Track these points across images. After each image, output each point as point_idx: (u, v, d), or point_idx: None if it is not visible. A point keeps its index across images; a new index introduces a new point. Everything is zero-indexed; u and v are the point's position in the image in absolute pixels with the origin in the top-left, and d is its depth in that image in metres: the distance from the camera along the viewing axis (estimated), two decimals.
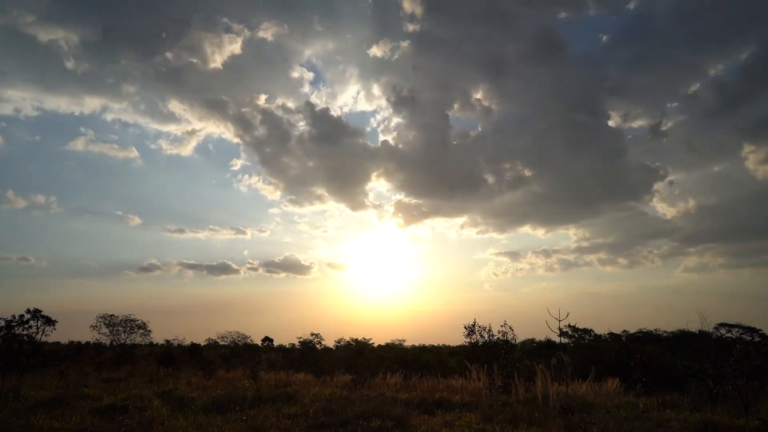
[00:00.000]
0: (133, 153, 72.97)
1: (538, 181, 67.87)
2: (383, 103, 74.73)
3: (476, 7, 60.90)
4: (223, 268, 76.48)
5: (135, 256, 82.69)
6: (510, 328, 15.45)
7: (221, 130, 73.01)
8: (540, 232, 77.37)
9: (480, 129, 71.33)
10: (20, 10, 60.33)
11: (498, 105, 67.17)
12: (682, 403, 11.12)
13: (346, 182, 71.88)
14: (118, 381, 16.31)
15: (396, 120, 73.83)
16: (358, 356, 25.42)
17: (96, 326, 28.48)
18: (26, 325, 19.53)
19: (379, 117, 77.13)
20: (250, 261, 78.43)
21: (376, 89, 73.68)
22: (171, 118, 72.04)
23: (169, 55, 65.91)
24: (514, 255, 78.06)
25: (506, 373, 13.88)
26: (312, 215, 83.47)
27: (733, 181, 66.95)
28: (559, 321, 11.13)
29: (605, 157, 62.59)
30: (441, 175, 68.44)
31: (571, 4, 62.95)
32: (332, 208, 79.61)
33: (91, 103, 68.49)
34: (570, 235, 77.61)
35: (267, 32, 68.20)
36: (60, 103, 68.39)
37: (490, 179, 68.96)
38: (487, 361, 14.86)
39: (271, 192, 76.53)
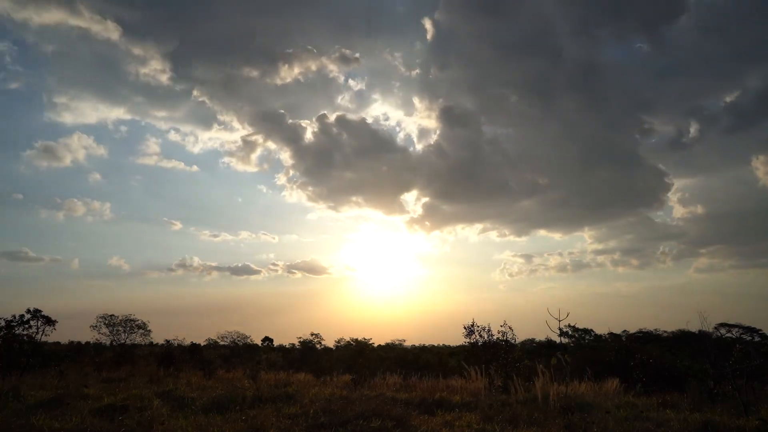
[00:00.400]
0: (189, 164, 76.93)
1: (558, 187, 68.91)
2: (420, 114, 76.71)
3: (513, 33, 61.22)
4: (245, 270, 78.23)
5: (165, 258, 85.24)
6: (509, 328, 15.47)
7: (270, 142, 74.96)
8: (557, 235, 78.24)
9: (508, 142, 72.60)
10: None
11: (525, 118, 67.95)
12: (682, 403, 11.12)
13: (382, 190, 74.52)
14: (118, 381, 16.30)
15: (431, 131, 76.06)
16: (358, 356, 25.41)
17: (96, 326, 28.48)
18: (26, 325, 19.54)
19: (414, 128, 78.48)
20: (274, 263, 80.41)
21: (415, 102, 75.65)
22: (226, 127, 74.96)
23: (231, 68, 68.59)
24: (528, 257, 78.96)
25: (506, 373, 13.89)
26: (346, 219, 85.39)
27: (742, 188, 68.84)
28: (559, 321, 11.14)
29: (624, 166, 64.43)
30: (469, 183, 69.85)
31: (616, 34, 63.27)
32: (367, 213, 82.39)
33: (154, 114, 72.07)
34: (585, 238, 78.56)
35: (332, 58, 70.41)
36: (121, 113, 71.87)
37: (516, 186, 70.12)
38: (487, 361, 14.87)
39: (310, 197, 77.54)
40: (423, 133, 76.65)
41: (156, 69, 66.94)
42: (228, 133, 76.58)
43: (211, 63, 69.56)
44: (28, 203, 73.83)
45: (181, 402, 10.83)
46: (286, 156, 77.56)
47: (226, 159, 79.17)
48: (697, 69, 68.63)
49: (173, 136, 75.85)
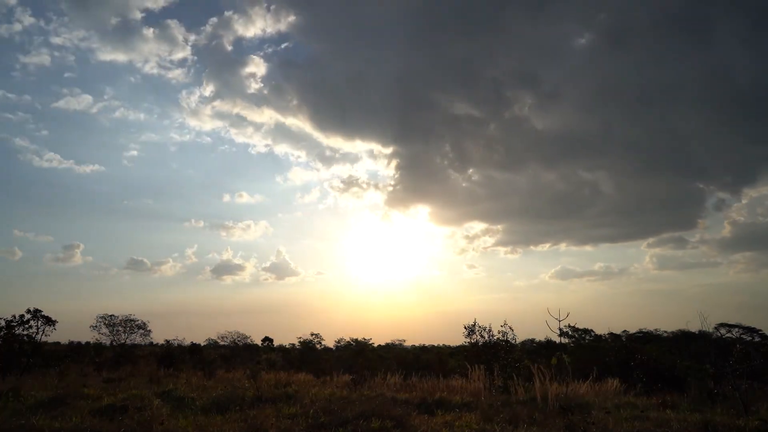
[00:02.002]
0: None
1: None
2: None
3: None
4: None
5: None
6: (510, 328, 15.46)
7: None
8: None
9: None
10: None
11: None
12: (682, 403, 11.11)
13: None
14: (118, 381, 16.30)
15: None
16: (358, 356, 25.41)
17: (96, 326, 28.45)
18: (26, 325, 19.54)
19: None
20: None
21: None
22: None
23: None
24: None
25: (506, 373, 13.88)
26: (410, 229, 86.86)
27: None
28: (559, 321, 11.13)
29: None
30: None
31: None
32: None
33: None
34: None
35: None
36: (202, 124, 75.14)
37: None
38: (487, 361, 14.86)
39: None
40: None
41: None
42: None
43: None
44: None
45: (181, 402, 10.83)
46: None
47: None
48: None
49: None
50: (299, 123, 74.03)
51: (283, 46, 74.36)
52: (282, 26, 73.08)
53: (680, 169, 60.90)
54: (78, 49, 71.32)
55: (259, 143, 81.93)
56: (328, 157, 78.86)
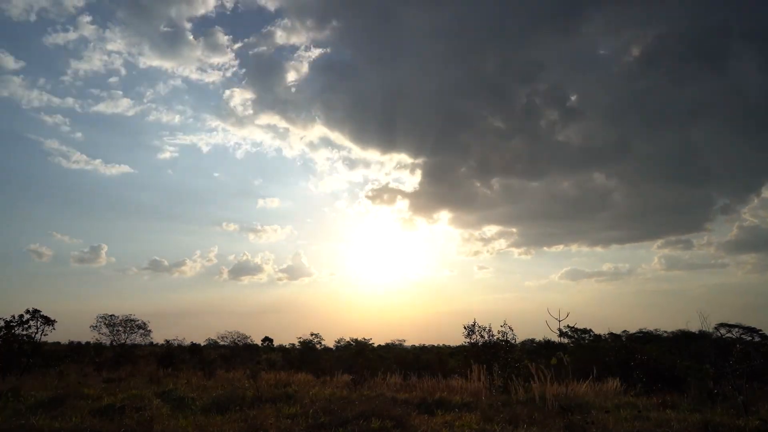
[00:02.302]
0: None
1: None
2: None
3: None
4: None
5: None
6: (510, 328, 15.44)
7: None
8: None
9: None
10: None
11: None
12: (682, 403, 11.11)
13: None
14: (118, 381, 16.30)
15: None
16: (358, 356, 25.41)
17: (96, 326, 28.47)
18: (26, 325, 19.53)
19: None
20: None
21: None
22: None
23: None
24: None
25: (506, 373, 13.88)
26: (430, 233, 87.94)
27: None
28: (559, 321, 11.13)
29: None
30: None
31: None
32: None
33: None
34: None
35: None
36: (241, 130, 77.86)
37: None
38: (487, 361, 14.86)
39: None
40: None
41: None
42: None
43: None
44: None
45: (181, 402, 10.83)
46: None
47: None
48: None
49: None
50: (334, 133, 75.99)
51: (323, 57, 76.01)
52: (323, 36, 75.10)
53: (691, 177, 63.65)
54: (127, 55, 74.39)
55: (293, 150, 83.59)
56: (357, 165, 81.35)
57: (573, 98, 66.28)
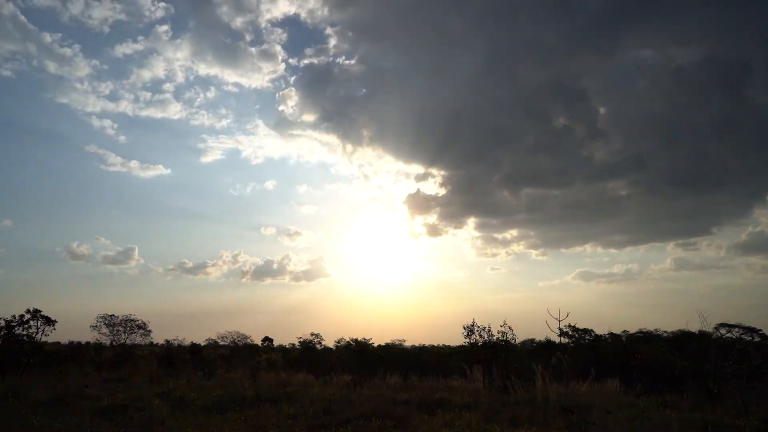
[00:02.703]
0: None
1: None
2: None
3: None
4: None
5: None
6: (509, 328, 15.44)
7: None
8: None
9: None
10: None
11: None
12: (682, 403, 11.11)
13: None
14: (118, 381, 16.30)
15: None
16: (358, 356, 25.39)
17: (96, 326, 28.46)
18: (26, 325, 19.52)
19: None
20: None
21: None
22: None
23: None
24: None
25: (506, 373, 13.88)
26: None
27: None
28: (559, 321, 11.14)
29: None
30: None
31: None
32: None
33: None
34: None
35: None
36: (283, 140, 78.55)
37: None
38: (487, 361, 14.86)
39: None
40: None
41: None
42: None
43: None
44: None
45: (181, 402, 10.84)
46: None
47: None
48: None
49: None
50: (372, 146, 77.21)
51: (370, 69, 76.49)
52: (374, 50, 75.69)
53: (704, 185, 66.42)
54: (187, 62, 75.48)
55: (335, 157, 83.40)
56: (394, 175, 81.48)
57: (600, 115, 69.79)
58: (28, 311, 19.81)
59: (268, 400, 11.32)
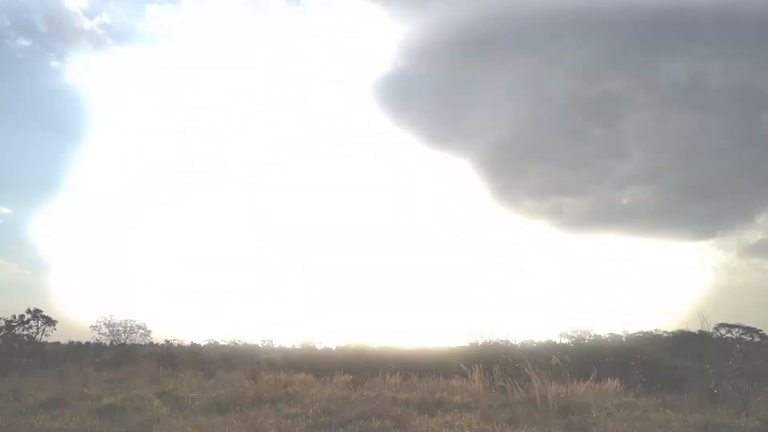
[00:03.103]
0: None
1: None
2: None
3: None
4: None
5: None
6: (509, 328, 15.46)
7: None
8: None
9: None
10: None
11: None
12: (682, 403, 11.11)
13: None
14: (118, 381, 16.29)
15: None
16: (358, 356, 25.38)
17: (96, 326, 28.47)
18: (26, 325, 19.54)
19: None
20: None
21: None
22: None
23: None
24: None
25: (506, 373, 13.88)
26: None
27: None
28: (559, 321, 11.12)
29: None
30: None
31: None
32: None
33: None
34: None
35: None
36: None
37: None
38: (487, 361, 14.86)
39: None
40: None
41: None
42: None
43: None
44: None
45: (181, 402, 10.84)
46: None
47: None
48: None
49: None
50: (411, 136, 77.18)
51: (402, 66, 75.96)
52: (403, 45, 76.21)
53: (717, 192, 68.83)
54: None
55: None
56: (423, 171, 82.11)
57: (630, 133, 72.43)
58: (28, 311, 19.84)
59: (268, 400, 11.31)
